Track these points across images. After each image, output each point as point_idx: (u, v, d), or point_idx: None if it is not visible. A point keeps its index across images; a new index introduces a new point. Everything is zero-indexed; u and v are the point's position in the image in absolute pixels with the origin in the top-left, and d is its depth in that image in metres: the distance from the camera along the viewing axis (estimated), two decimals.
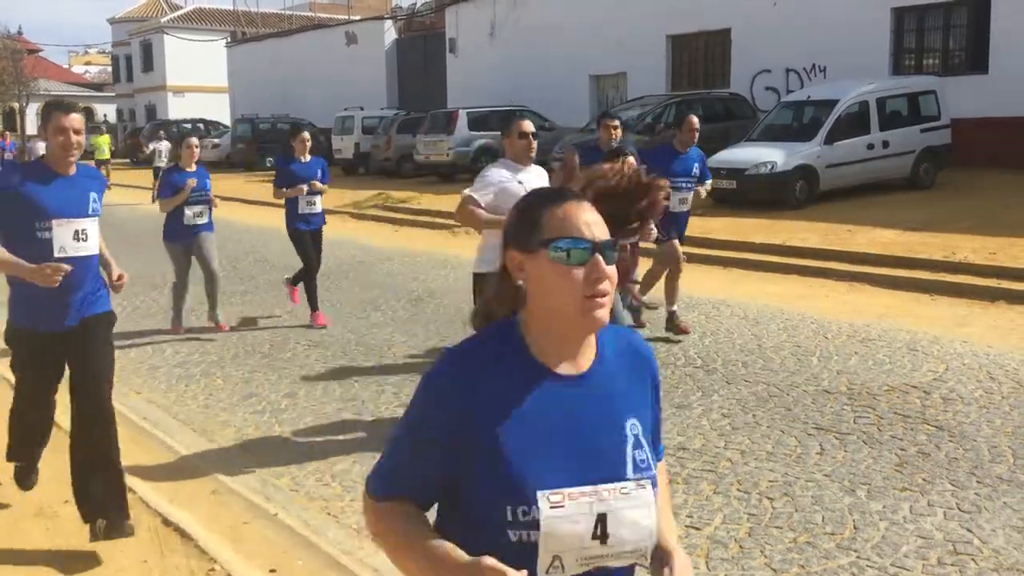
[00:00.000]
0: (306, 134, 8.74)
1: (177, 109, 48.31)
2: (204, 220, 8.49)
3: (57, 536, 4.46)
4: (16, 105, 58.41)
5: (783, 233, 12.46)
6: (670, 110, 19.44)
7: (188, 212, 8.31)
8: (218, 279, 8.68)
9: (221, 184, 21.98)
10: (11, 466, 5.33)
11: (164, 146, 23.23)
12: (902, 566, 3.92)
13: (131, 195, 25.54)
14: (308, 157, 8.70)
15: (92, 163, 27.34)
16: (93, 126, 42.36)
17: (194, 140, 8.60)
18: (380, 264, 12.50)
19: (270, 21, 49.51)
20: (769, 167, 14.40)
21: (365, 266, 12.40)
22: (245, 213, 19.87)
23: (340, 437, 5.80)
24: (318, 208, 8.76)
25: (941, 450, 5.20)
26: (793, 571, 3.91)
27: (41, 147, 27.88)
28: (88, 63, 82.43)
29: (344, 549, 4.28)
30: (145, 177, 27.66)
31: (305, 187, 8.52)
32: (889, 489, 4.70)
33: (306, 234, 8.73)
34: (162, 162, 22.23)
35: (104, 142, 28.79)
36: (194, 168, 8.47)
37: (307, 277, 8.81)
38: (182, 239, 8.41)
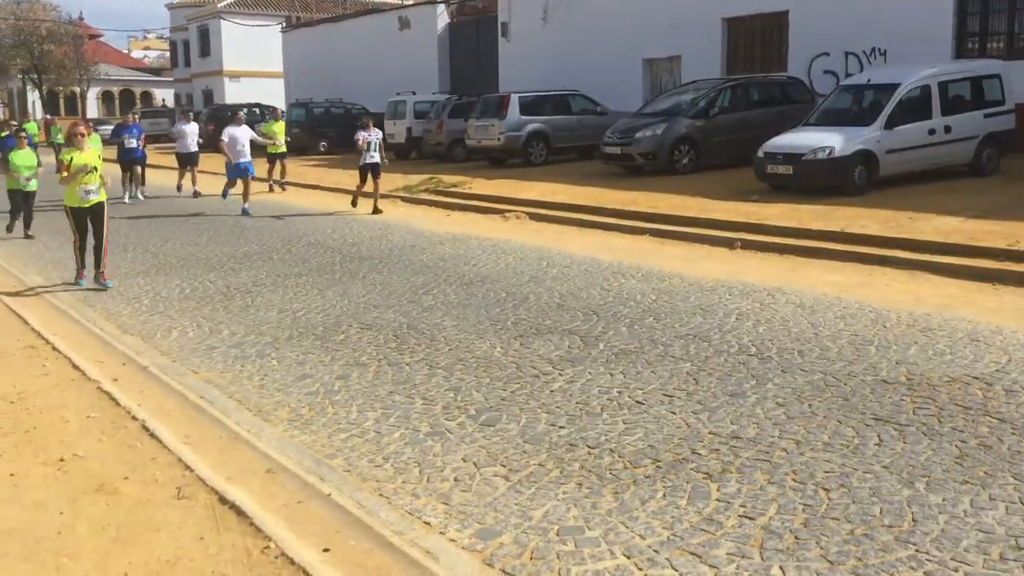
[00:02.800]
0: None
1: (233, 94, 48.91)
2: None
3: (117, 511, 4.56)
4: (77, 89, 59.72)
5: (841, 220, 12.23)
6: (725, 94, 19.19)
7: None
8: None
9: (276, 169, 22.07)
10: (80, 442, 5.49)
11: (375, 137, 16.44)
12: (963, 560, 3.83)
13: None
14: None
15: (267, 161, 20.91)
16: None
17: None
18: (431, 248, 12.55)
19: (324, 6, 49.93)
20: (827, 152, 14.13)
21: (416, 250, 12.45)
22: (300, 197, 20.06)
23: (392, 419, 5.83)
24: None
25: (1004, 443, 5.07)
26: (850, 563, 3.84)
27: (190, 129, 20.98)
28: (147, 48, 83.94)
29: (396, 530, 4.31)
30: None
31: None
32: (949, 482, 4.59)
33: None
34: (373, 157, 16.25)
35: (280, 130, 21.42)
36: None
37: None
38: None
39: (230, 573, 3.94)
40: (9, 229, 15.04)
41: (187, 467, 5.11)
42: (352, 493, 4.74)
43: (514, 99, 22.73)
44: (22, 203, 14.65)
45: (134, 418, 5.94)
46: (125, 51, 78.62)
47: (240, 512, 4.50)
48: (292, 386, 6.62)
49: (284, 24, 46.09)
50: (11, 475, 5.04)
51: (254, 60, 49.69)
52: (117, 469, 5.11)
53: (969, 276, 9.56)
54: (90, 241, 10.54)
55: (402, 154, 28.08)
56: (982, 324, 7.66)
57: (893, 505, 4.34)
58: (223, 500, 4.64)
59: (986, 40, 18.45)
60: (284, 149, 21.55)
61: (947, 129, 14.70)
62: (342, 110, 34.05)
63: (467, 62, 32.60)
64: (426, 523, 4.38)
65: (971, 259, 9.99)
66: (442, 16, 33.87)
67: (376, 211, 16.51)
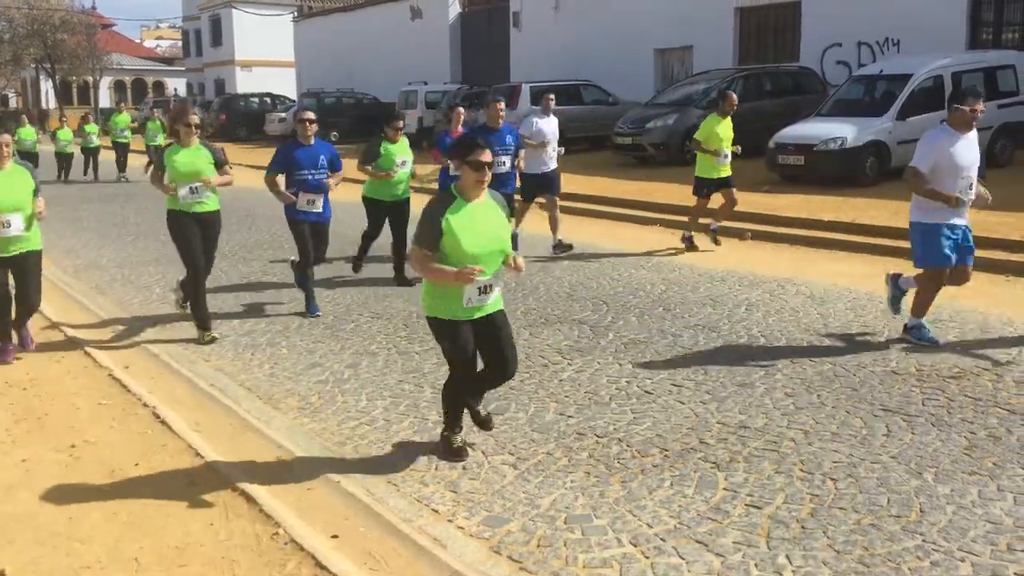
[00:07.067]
0: None
1: (245, 83, 48.98)
2: None
3: (128, 499, 4.59)
4: (90, 79, 59.85)
5: (852, 211, 12.19)
6: (737, 84, 19.09)
7: None
8: None
9: None
10: (91, 429, 5.52)
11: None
12: (969, 551, 3.83)
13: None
14: None
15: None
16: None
17: None
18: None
19: None
20: (839, 143, 14.08)
21: None
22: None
23: (401, 408, 5.86)
24: None
25: (1013, 434, 5.06)
26: (856, 553, 3.85)
27: (550, 127, 11.63)
28: (159, 37, 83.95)
29: (404, 517, 4.33)
30: None
31: None
32: (958, 473, 4.59)
33: None
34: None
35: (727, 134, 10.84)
36: None
37: None
38: None
39: (240, 559, 3.98)
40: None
41: (197, 454, 5.14)
42: (361, 481, 4.77)
43: (525, 89, 22.67)
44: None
45: (145, 405, 5.99)
46: (137, 40, 78.71)
47: (250, 499, 4.53)
48: (302, 374, 6.65)
49: (296, 13, 46.08)
50: (23, 461, 5.08)
51: (266, 50, 49.75)
52: (128, 456, 5.15)
53: (981, 267, 9.48)
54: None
55: (413, 144, 28.07)
56: (993, 315, 7.63)
57: (901, 495, 4.34)
58: (233, 487, 4.67)
59: (1001, 30, 18.33)
60: (729, 171, 10.97)
61: None
62: (353, 100, 34.07)
63: (478, 52, 32.54)
64: (434, 511, 4.40)
65: (983, 250, 9.89)
66: (454, 5, 33.81)
67: None
